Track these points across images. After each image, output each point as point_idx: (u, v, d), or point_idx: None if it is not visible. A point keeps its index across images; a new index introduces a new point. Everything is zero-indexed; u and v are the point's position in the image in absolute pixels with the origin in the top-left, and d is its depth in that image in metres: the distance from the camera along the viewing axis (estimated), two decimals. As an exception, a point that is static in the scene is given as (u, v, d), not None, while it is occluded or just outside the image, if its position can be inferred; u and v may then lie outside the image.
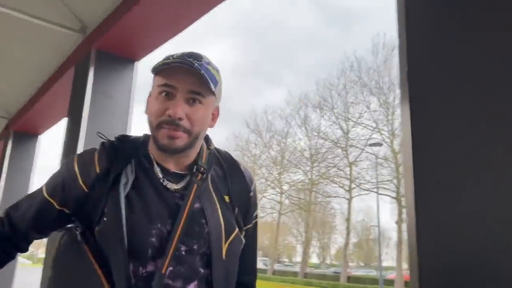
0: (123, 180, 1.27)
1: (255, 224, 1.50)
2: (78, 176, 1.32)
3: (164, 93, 1.28)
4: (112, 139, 1.40)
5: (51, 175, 1.40)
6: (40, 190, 1.39)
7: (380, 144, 29.07)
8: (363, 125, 32.95)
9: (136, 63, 4.21)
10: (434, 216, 1.39)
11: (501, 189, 1.25)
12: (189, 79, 1.27)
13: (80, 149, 3.78)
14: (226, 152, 1.50)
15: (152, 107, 1.32)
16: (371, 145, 29.39)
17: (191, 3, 3.38)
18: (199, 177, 1.34)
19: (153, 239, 1.23)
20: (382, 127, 31.13)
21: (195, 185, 1.32)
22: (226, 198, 1.39)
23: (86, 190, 1.30)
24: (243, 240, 1.40)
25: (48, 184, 1.38)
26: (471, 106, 1.37)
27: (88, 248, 1.25)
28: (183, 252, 1.26)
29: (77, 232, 1.29)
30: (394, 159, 29.31)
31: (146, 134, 1.42)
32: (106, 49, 4.06)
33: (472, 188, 1.31)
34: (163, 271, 1.21)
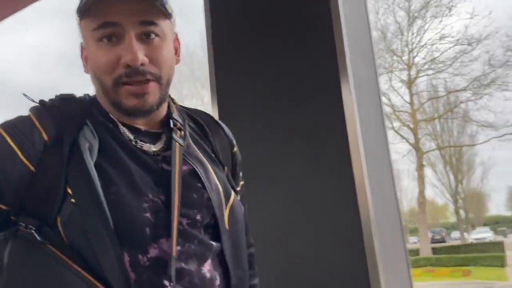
0: (84, 145, 0.95)
1: (243, 187, 1.24)
2: (17, 150, 0.94)
3: (106, 37, 0.95)
4: (40, 100, 1.04)
5: None
6: None
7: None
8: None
9: None
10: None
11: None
12: (132, 6, 0.95)
13: None
14: (195, 108, 1.23)
15: (95, 61, 0.98)
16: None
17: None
18: (178, 134, 1.06)
19: (147, 214, 0.95)
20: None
21: (178, 144, 1.04)
22: (214, 156, 1.13)
23: (31, 168, 0.94)
24: (242, 205, 1.13)
25: None
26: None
27: (55, 249, 0.91)
28: (187, 226, 0.99)
29: (32, 231, 0.92)
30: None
31: (88, 94, 1.10)
32: None
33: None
34: (174, 253, 0.93)
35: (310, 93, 1.61)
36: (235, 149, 1.22)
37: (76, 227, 0.91)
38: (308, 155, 1.59)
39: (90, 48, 1.00)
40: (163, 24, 0.99)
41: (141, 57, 0.94)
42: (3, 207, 0.94)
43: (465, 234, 27.88)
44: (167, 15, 0.99)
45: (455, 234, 29.87)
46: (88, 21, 0.97)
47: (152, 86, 0.97)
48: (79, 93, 1.12)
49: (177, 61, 1.07)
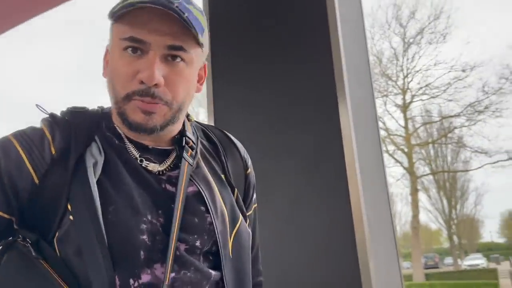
0: (89, 162, 0.94)
1: (255, 211, 1.20)
2: (26, 160, 0.92)
3: (131, 48, 0.93)
4: (53, 111, 1.02)
5: None
6: None
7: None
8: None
9: None
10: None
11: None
12: (165, 27, 0.92)
13: None
14: (210, 125, 1.20)
15: (114, 69, 0.96)
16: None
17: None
18: (189, 153, 1.03)
19: (144, 237, 0.91)
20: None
21: (187, 164, 1.00)
22: (223, 177, 1.09)
23: (36, 181, 0.92)
24: (250, 231, 1.08)
25: None
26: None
27: (48, 265, 0.89)
28: (184, 252, 0.95)
29: (27, 245, 0.90)
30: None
31: (103, 106, 1.09)
32: None
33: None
34: (167, 281, 0.89)
35: (308, 114, 1.63)
36: (249, 170, 1.17)
37: (71, 244, 0.89)
38: (304, 176, 1.59)
39: (114, 54, 0.97)
40: (193, 51, 0.96)
41: (158, 77, 0.91)
42: (6, 215, 0.91)
43: (458, 260, 27.76)
44: (199, 44, 0.96)
45: (448, 260, 29.74)
46: (119, 27, 0.94)
47: (161, 108, 0.94)
48: (87, 105, 1.10)
49: (198, 90, 1.05)
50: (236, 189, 1.10)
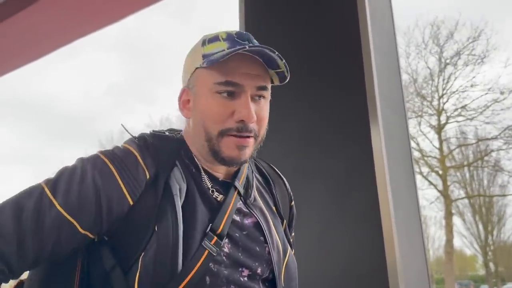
0: (175, 188, 0.98)
1: (293, 238, 1.27)
2: (123, 187, 0.95)
3: (226, 92, 1.00)
4: (140, 136, 1.07)
5: (57, 177, 0.94)
6: (46, 204, 0.89)
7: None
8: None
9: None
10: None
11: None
12: (254, 70, 1.00)
13: None
14: (259, 158, 1.25)
15: (207, 110, 1.01)
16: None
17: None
18: (235, 192, 1.09)
19: (211, 264, 0.97)
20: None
21: (235, 196, 1.06)
22: (275, 210, 1.16)
23: (131, 203, 0.95)
24: (296, 262, 1.14)
25: (61, 194, 0.90)
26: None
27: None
28: (246, 278, 0.99)
29: (107, 267, 0.93)
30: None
31: (176, 130, 1.13)
32: None
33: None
34: None
35: (339, 137, 1.64)
36: (293, 202, 1.25)
37: (153, 271, 0.91)
38: (335, 200, 1.60)
39: (202, 96, 1.03)
40: (269, 89, 1.07)
41: (254, 115, 1.01)
42: (91, 235, 0.94)
43: (495, 289, 26.53)
44: (270, 82, 1.07)
45: (484, 288, 28.49)
46: (212, 73, 1.01)
47: (251, 142, 1.03)
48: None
49: None
50: (284, 219, 1.18)
